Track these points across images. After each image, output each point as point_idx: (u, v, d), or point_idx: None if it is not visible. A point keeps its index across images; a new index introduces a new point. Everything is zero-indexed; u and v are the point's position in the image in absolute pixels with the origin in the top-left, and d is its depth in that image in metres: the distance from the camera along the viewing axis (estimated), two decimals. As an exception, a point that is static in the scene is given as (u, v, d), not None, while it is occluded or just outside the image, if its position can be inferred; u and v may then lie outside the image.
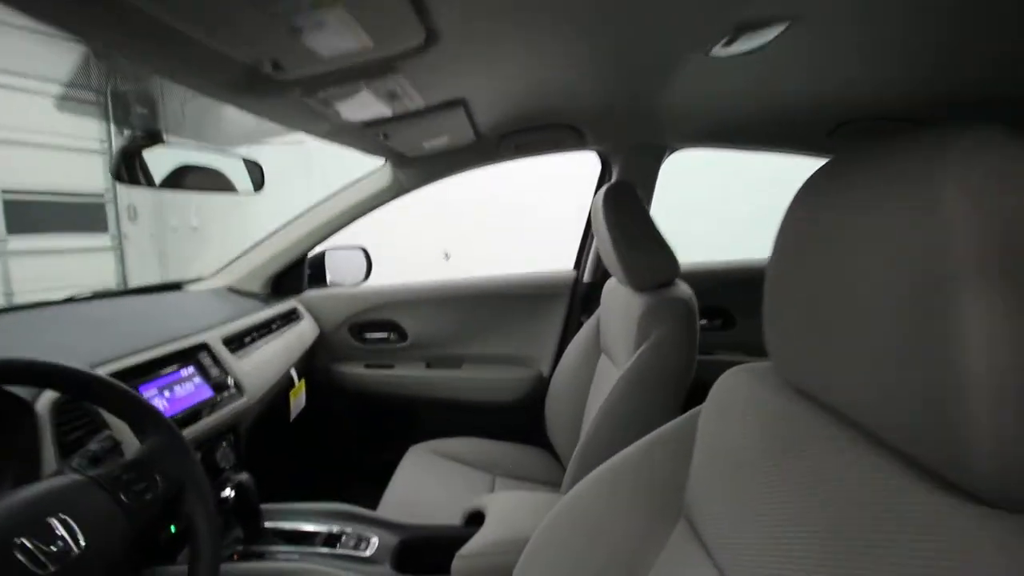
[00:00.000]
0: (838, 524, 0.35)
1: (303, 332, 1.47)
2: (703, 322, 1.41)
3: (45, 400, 0.68)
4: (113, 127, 5.61)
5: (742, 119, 1.19)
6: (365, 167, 1.42)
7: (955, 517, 0.29)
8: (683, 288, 1.04)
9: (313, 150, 5.33)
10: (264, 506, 0.95)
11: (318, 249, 1.56)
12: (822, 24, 0.65)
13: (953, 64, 0.78)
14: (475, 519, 0.94)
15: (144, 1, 0.44)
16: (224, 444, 0.98)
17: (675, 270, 1.04)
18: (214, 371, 1.01)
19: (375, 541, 0.91)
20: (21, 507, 0.46)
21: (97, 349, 0.84)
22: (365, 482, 1.31)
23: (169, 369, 0.93)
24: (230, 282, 1.46)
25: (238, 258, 1.49)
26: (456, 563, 0.82)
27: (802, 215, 0.41)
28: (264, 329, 1.29)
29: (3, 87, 4.70)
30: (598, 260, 1.56)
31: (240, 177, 1.00)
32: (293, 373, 1.37)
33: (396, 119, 0.90)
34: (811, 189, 0.40)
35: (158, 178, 0.81)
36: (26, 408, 0.66)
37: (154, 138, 0.80)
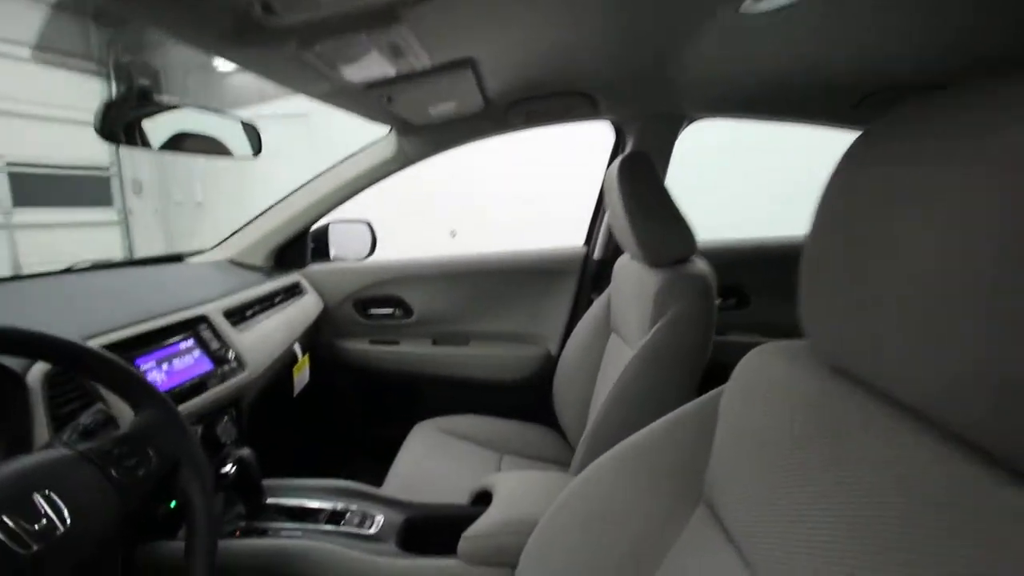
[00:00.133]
0: (876, 514, 0.33)
1: (306, 306, 1.44)
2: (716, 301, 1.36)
3: (37, 372, 0.65)
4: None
5: (766, 87, 1.12)
6: (372, 139, 1.37)
7: None
8: (700, 264, 0.99)
9: (318, 124, 5.27)
10: (267, 482, 0.93)
11: (322, 222, 1.52)
12: None
13: (992, 27, 0.72)
14: (482, 498, 0.92)
15: None
16: (225, 419, 0.95)
17: (692, 245, 0.99)
18: (214, 344, 0.98)
19: (380, 519, 0.89)
20: (3, 482, 0.43)
21: (93, 320, 0.82)
22: (370, 459, 1.29)
23: (167, 341, 0.90)
24: (232, 255, 1.43)
25: (240, 230, 1.46)
26: (463, 543, 0.80)
27: (847, 184, 0.37)
28: (266, 302, 1.26)
29: (5, 56, 4.63)
30: (610, 236, 1.51)
31: (237, 141, 0.95)
32: (297, 348, 1.35)
33: (401, 80, 0.85)
34: (856, 157, 0.37)
35: (148, 138, 0.77)
36: (17, 380, 0.63)
37: (144, 96, 0.75)
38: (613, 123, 1.42)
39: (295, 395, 1.36)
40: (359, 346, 1.61)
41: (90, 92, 5.30)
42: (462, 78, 0.93)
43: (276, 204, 1.44)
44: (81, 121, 5.26)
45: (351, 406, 1.68)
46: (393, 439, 1.29)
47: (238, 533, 0.83)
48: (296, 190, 1.43)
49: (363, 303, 1.60)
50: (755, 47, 0.88)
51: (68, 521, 0.45)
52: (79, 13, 4.92)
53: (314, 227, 1.53)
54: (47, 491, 0.45)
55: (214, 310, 1.04)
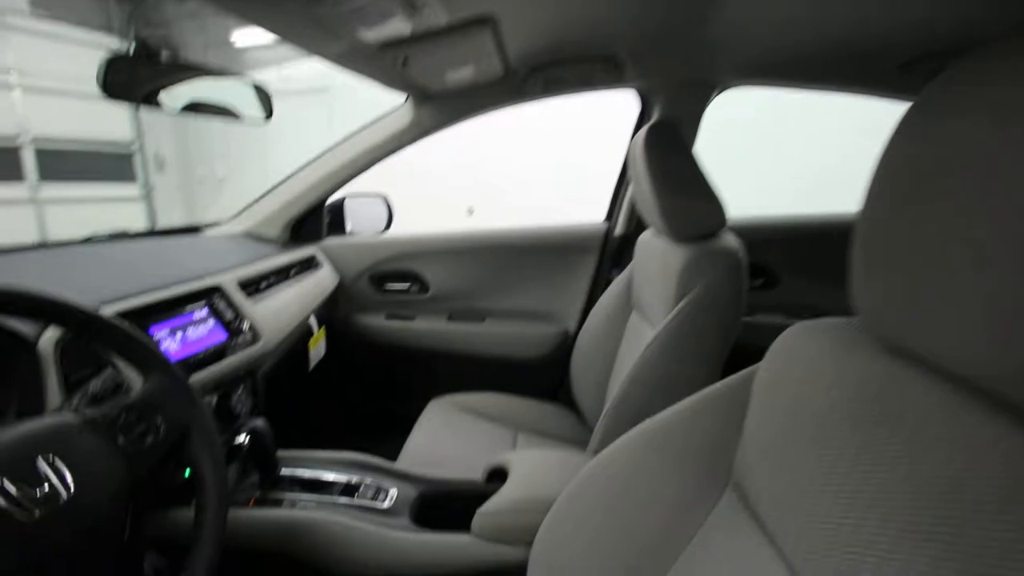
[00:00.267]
0: (939, 502, 0.30)
1: (322, 280, 1.43)
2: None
3: (49, 338, 0.64)
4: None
5: (804, 50, 1.05)
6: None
7: None
8: (730, 239, 0.94)
9: (339, 99, 5.23)
10: (282, 453, 0.93)
11: (338, 195, 1.50)
12: None
13: None
14: (497, 476, 0.91)
15: None
16: (241, 389, 0.95)
17: (721, 219, 0.94)
18: (228, 314, 0.98)
19: (394, 493, 0.88)
20: (4, 446, 0.42)
21: (109, 288, 0.81)
22: (385, 434, 1.29)
23: (182, 311, 0.89)
24: (248, 227, 1.42)
25: (256, 202, 1.45)
26: (477, 520, 0.78)
27: (904, 153, 0.34)
28: (281, 275, 1.25)
29: (28, 32, 4.68)
30: (632, 211, 1.46)
31: (249, 105, 0.92)
32: (313, 322, 1.34)
33: (417, 40, 0.80)
34: (913, 123, 0.34)
35: (153, 96, 0.74)
36: (29, 346, 0.63)
37: (149, 54, 0.72)
38: (638, 91, 1.35)
39: (311, 368, 1.36)
40: (375, 321, 1.60)
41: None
42: (481, 40, 0.88)
43: (291, 176, 1.42)
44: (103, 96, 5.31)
45: (367, 381, 1.68)
46: (408, 414, 1.28)
47: (252, 503, 0.83)
48: (310, 162, 1.41)
49: (379, 278, 1.59)
50: (793, 5, 0.81)
51: (72, 488, 0.43)
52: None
53: (330, 200, 1.51)
54: (51, 456, 0.44)
55: (229, 281, 1.03)
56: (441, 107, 1.28)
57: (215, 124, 6.10)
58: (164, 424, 0.55)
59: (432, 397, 1.36)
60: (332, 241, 1.56)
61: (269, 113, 0.96)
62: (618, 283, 1.25)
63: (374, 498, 0.87)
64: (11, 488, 0.40)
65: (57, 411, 0.51)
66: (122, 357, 0.59)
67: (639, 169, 0.98)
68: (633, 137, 1.05)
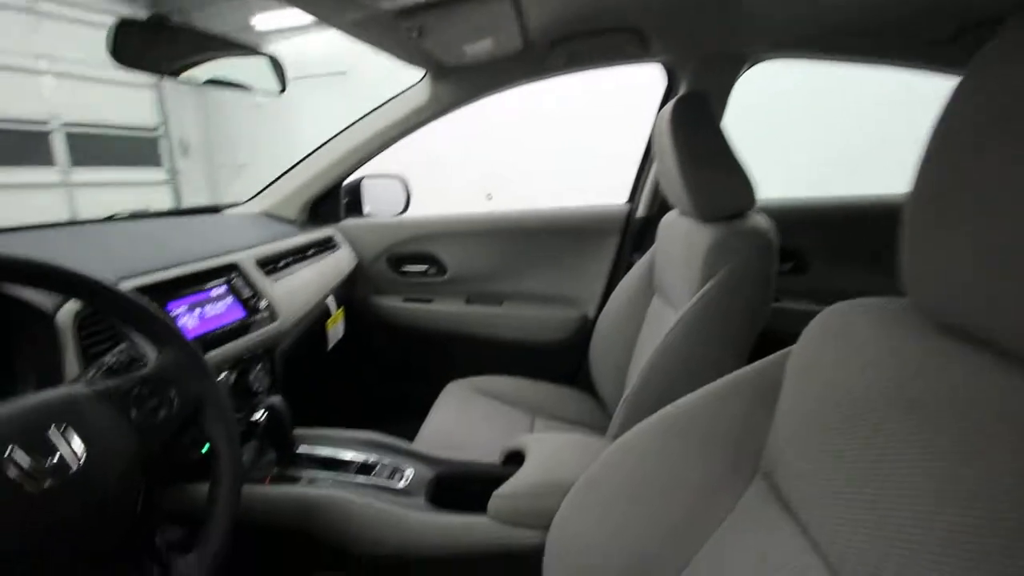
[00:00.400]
0: (1003, 501, 0.27)
1: (340, 261, 1.42)
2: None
3: (67, 311, 0.64)
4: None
5: (844, 18, 0.98)
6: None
7: None
8: (759, 219, 0.90)
9: (358, 84, 5.23)
10: (299, 431, 0.93)
11: (356, 176, 1.49)
12: None
13: None
14: (513, 459, 0.89)
15: None
16: (258, 367, 0.95)
17: (751, 198, 0.89)
18: (246, 292, 0.97)
19: (410, 473, 0.87)
20: (15, 416, 0.42)
21: (128, 263, 0.81)
22: (402, 416, 1.29)
23: (199, 287, 0.89)
24: (267, 207, 1.42)
25: (274, 182, 1.44)
26: (493, 502, 0.77)
27: (957, 126, 0.32)
28: (299, 254, 1.25)
29: (57, 18, 4.76)
30: (655, 192, 1.41)
31: (262, 76, 0.91)
32: (331, 302, 1.34)
33: (433, 7, 0.77)
34: (967, 92, 0.32)
35: (163, 64, 0.73)
36: (47, 319, 0.63)
37: (159, 21, 0.71)
38: (664, 65, 1.30)
39: (329, 349, 1.36)
40: (393, 303, 1.59)
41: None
42: (500, 9, 0.85)
43: (308, 156, 1.41)
44: (128, 82, 5.40)
45: (384, 363, 1.68)
46: (425, 397, 1.28)
47: (269, 480, 0.84)
48: (327, 141, 1.40)
49: (397, 260, 1.58)
50: None
51: (83, 459, 0.43)
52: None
53: (347, 181, 1.50)
54: (63, 427, 0.43)
55: (246, 259, 1.03)
56: (459, 83, 1.25)
57: (237, 111, 6.18)
58: (178, 398, 0.55)
59: (450, 380, 1.35)
60: (350, 222, 1.55)
61: (283, 86, 0.94)
62: (640, 266, 1.22)
63: (390, 478, 0.86)
64: (21, 457, 0.39)
65: (71, 383, 0.51)
66: (137, 330, 0.58)
67: (664, 145, 0.93)
68: (659, 112, 1.01)
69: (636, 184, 1.48)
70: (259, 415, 0.84)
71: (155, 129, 5.80)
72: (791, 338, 0.47)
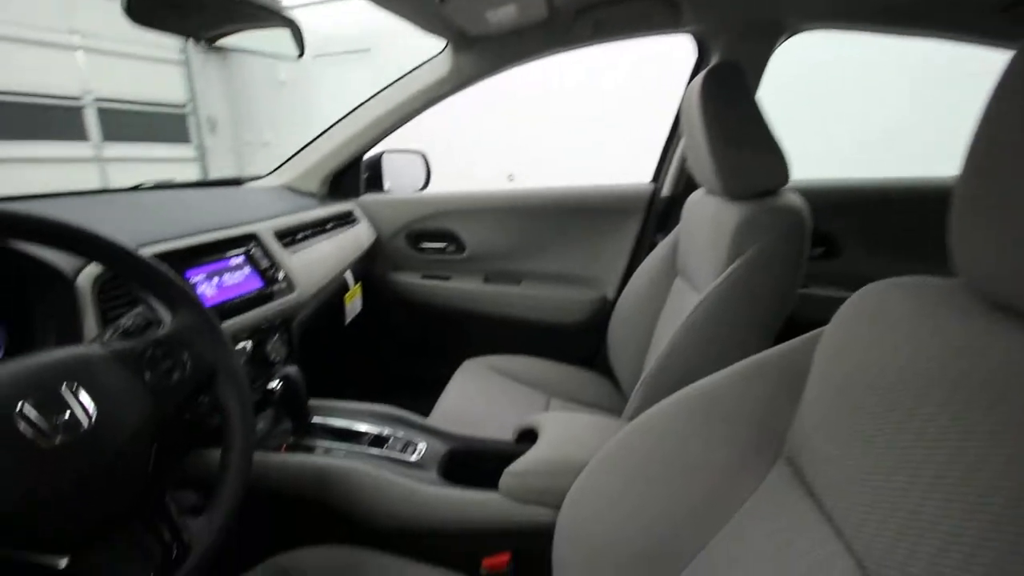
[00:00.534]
0: None
1: (359, 235, 1.42)
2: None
3: (87, 275, 0.65)
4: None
5: None
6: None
7: None
8: (793, 197, 0.85)
9: (382, 61, 5.19)
10: (314, 402, 0.93)
11: (376, 150, 1.47)
12: None
13: None
14: (527, 437, 0.88)
15: None
16: (275, 338, 0.96)
17: (784, 175, 0.85)
18: (264, 263, 0.98)
19: (423, 447, 0.87)
20: (28, 372, 0.42)
21: (149, 230, 0.82)
22: (417, 392, 1.29)
23: (218, 256, 0.90)
24: (287, 181, 1.42)
25: (295, 156, 1.44)
26: (505, 478, 0.76)
27: (1017, 95, 0.30)
28: (318, 227, 1.25)
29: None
30: (682, 170, 1.36)
31: (280, 40, 0.89)
32: (349, 277, 1.34)
33: (456, -32, 0.74)
34: None
35: (179, 23, 0.72)
36: (67, 282, 0.63)
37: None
38: (695, 36, 1.23)
39: (346, 323, 1.37)
40: (411, 280, 1.59)
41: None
42: None
43: (328, 129, 1.40)
44: (158, 58, 5.47)
45: (401, 339, 1.69)
46: (441, 374, 1.28)
47: (284, 448, 0.84)
48: (347, 114, 1.38)
49: (416, 236, 1.57)
50: None
51: (94, 417, 0.43)
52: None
53: (368, 156, 1.49)
54: (75, 385, 0.43)
55: (265, 229, 1.03)
56: (481, 53, 1.22)
57: (263, 88, 6.22)
58: (191, 361, 0.55)
59: (466, 358, 1.35)
60: (369, 197, 1.55)
61: (302, 50, 0.93)
62: (663, 247, 1.18)
63: (403, 451, 0.86)
64: (32, 413, 0.39)
65: (87, 344, 0.51)
66: (153, 294, 0.58)
67: (693, 119, 0.89)
68: (689, 84, 0.96)
69: (661, 162, 1.43)
70: (275, 384, 0.85)
71: (183, 106, 5.88)
72: (820, 326, 0.45)
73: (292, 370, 0.86)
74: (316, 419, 0.91)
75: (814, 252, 1.37)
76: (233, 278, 0.90)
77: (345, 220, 1.41)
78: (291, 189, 1.41)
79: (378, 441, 0.88)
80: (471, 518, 0.76)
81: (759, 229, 0.81)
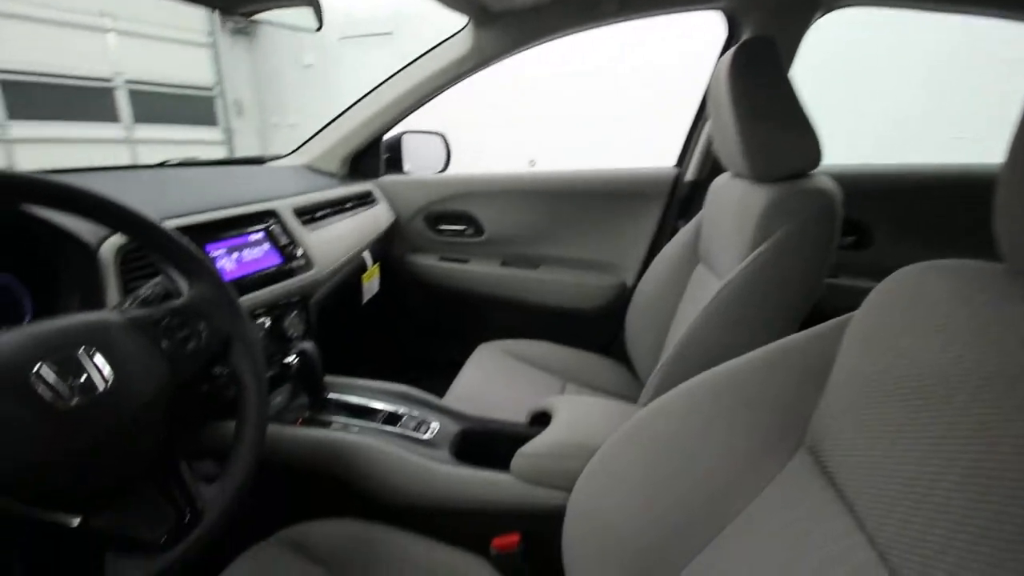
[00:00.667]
0: None
1: (377, 216, 1.42)
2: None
3: (110, 245, 0.66)
4: (217, 21, 5.77)
5: None
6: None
7: None
8: (824, 180, 0.82)
9: (404, 45, 5.17)
10: (330, 378, 0.94)
11: (396, 131, 1.47)
12: None
13: None
14: (540, 420, 0.88)
15: None
16: (293, 314, 0.97)
17: (816, 156, 0.81)
18: (283, 239, 0.99)
19: (435, 426, 0.88)
20: (46, 334, 0.42)
21: (172, 205, 0.83)
22: (432, 373, 1.29)
23: (238, 232, 0.91)
24: (308, 160, 1.43)
25: (316, 135, 1.44)
26: (516, 459, 0.76)
27: None
28: (337, 207, 1.25)
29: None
30: (707, 153, 1.32)
31: (301, 15, 0.89)
32: (368, 257, 1.34)
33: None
34: None
35: None
36: (90, 253, 0.64)
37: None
38: (725, 12, 1.19)
39: (364, 302, 1.37)
40: (429, 262, 1.59)
41: (197, 15, 5.54)
42: None
43: (348, 109, 1.40)
44: (186, 41, 5.54)
45: (418, 320, 1.70)
46: (457, 356, 1.28)
47: (300, 422, 0.85)
48: (367, 94, 1.38)
49: (435, 218, 1.56)
50: None
51: (110, 382, 0.44)
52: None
53: (388, 136, 1.49)
54: (92, 349, 0.44)
55: (284, 207, 1.04)
56: (504, 31, 1.19)
57: (289, 72, 6.27)
58: (207, 331, 0.55)
59: (482, 342, 1.35)
60: (389, 178, 1.54)
61: (320, 23, 0.92)
62: (685, 232, 1.15)
63: (416, 429, 0.86)
64: (50, 375, 0.40)
65: (105, 310, 0.52)
66: (173, 265, 0.59)
67: (721, 96, 0.86)
68: (719, 61, 0.92)
69: (686, 146, 1.39)
70: (291, 359, 0.86)
71: (211, 89, 5.96)
72: None
73: (308, 345, 0.87)
74: (332, 395, 0.92)
75: (844, 241, 1.32)
76: (252, 253, 0.90)
77: (364, 200, 1.41)
78: (312, 168, 1.42)
79: (392, 419, 0.88)
80: (482, 498, 0.75)
81: (788, 212, 0.78)
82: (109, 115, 4.98)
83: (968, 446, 0.29)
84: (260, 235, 0.95)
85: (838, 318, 0.44)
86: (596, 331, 1.47)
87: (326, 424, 0.86)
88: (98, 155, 4.83)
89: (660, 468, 0.48)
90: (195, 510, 0.49)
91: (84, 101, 4.75)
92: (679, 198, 1.39)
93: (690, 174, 1.37)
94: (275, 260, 0.94)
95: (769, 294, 0.79)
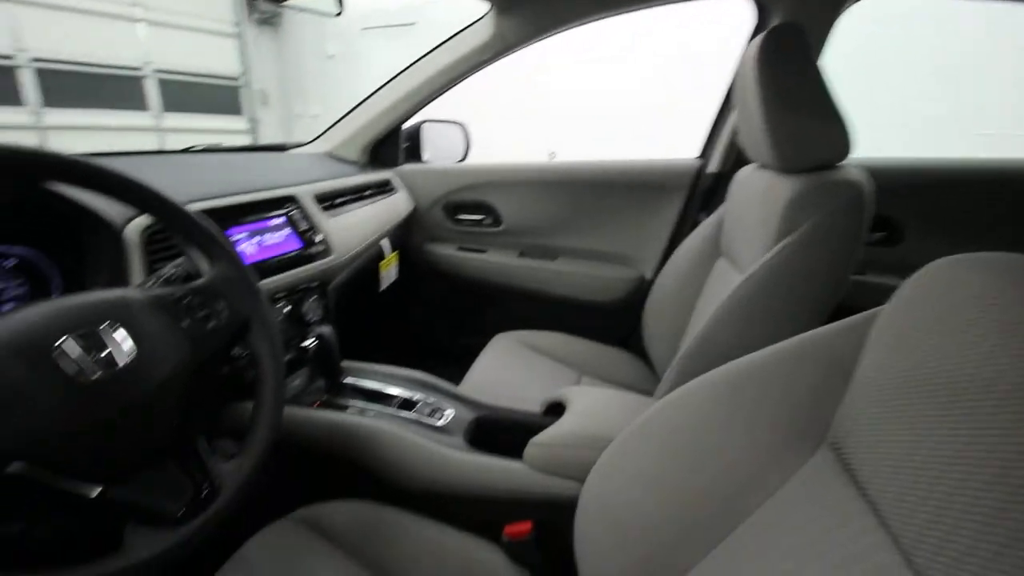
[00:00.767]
0: None
1: (397, 204, 1.43)
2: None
3: (135, 226, 0.68)
4: (244, 11, 5.85)
5: None
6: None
7: None
8: (854, 171, 0.79)
9: (425, 36, 5.16)
10: (346, 363, 0.95)
11: (416, 120, 1.47)
12: None
13: None
14: (555, 410, 0.87)
15: None
16: (312, 298, 0.98)
17: (845, 147, 0.78)
18: (303, 225, 1.00)
19: (450, 413, 0.88)
20: (70, 309, 0.44)
21: (196, 189, 0.85)
22: (448, 362, 1.30)
23: (259, 216, 0.92)
24: (329, 148, 1.44)
25: (337, 123, 1.45)
26: (529, 448, 0.76)
27: None
28: (356, 194, 1.26)
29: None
30: (731, 145, 1.29)
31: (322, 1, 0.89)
32: (386, 244, 1.35)
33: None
34: None
35: None
36: (115, 233, 0.66)
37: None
38: None
39: (382, 289, 1.39)
40: (447, 251, 1.59)
41: (224, 5, 5.62)
42: None
43: (368, 97, 1.40)
44: (213, 31, 5.63)
45: (435, 309, 1.70)
46: (473, 346, 1.28)
47: (317, 405, 0.87)
48: (387, 82, 1.38)
49: (453, 207, 1.56)
50: None
51: (131, 357, 0.44)
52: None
53: (408, 125, 1.49)
54: (116, 325, 0.45)
55: (304, 192, 1.05)
56: (526, 17, 1.18)
57: (313, 63, 6.33)
58: (226, 311, 0.56)
59: (498, 332, 1.35)
60: (408, 167, 1.55)
61: (340, 8, 0.92)
62: (706, 226, 1.13)
63: (431, 415, 0.87)
64: (73, 349, 0.41)
65: (128, 288, 0.53)
66: (194, 246, 0.60)
67: (748, 84, 0.83)
68: (746, 47, 0.90)
69: (710, 137, 1.36)
70: (309, 342, 0.87)
71: (237, 79, 6.04)
72: None
73: (326, 329, 0.88)
74: (348, 380, 0.93)
75: (873, 237, 1.28)
76: (273, 238, 0.92)
77: (384, 188, 1.41)
78: (333, 156, 1.43)
79: (407, 404, 0.89)
80: (494, 485, 0.76)
81: (814, 204, 0.76)
82: (139, 103, 5.09)
83: (998, 447, 0.28)
84: (281, 220, 0.96)
85: (866, 312, 0.43)
86: (613, 324, 1.46)
87: (342, 408, 0.87)
88: (128, 142, 4.96)
89: (677, 461, 0.47)
90: (213, 486, 0.50)
91: (115, 89, 4.86)
92: (701, 190, 1.36)
93: (713, 165, 1.34)
94: (295, 245, 0.95)
95: (794, 287, 0.77)
